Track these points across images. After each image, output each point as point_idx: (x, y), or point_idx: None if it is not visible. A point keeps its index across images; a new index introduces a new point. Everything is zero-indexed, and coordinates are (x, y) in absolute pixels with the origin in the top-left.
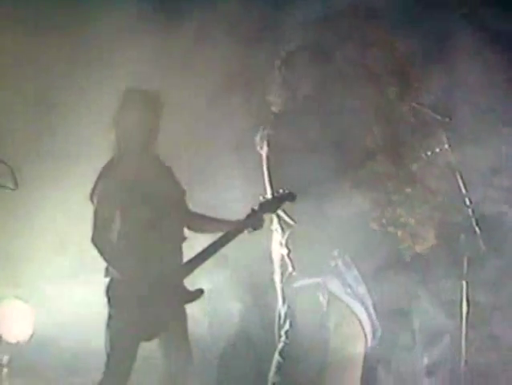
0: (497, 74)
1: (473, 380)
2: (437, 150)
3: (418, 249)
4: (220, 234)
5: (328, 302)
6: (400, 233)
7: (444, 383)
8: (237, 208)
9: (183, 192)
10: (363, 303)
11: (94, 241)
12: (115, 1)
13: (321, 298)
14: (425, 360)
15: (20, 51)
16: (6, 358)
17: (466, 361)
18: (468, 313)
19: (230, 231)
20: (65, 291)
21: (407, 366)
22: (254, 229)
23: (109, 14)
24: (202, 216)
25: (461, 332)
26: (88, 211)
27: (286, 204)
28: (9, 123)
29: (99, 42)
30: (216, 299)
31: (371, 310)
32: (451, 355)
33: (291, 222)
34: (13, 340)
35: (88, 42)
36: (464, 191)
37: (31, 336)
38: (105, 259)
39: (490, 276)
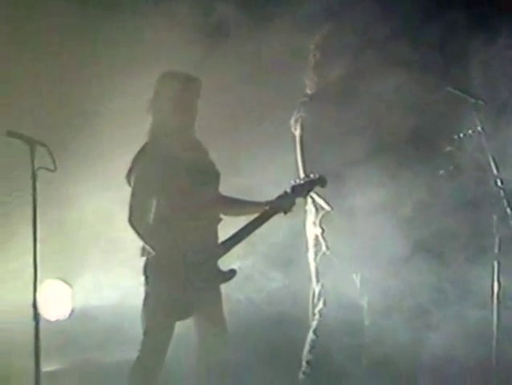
0: None
1: (504, 372)
2: (470, 132)
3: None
4: (252, 216)
5: (362, 283)
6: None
7: (475, 374)
8: (269, 191)
9: (218, 175)
10: None
11: (130, 221)
12: None
13: (354, 277)
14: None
15: (56, 35)
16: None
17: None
18: (499, 295)
19: (265, 213)
20: (103, 271)
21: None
22: (285, 213)
23: None
24: (234, 200)
25: (492, 316)
26: (127, 192)
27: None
28: (46, 107)
29: (134, 24)
30: (249, 279)
31: None
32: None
33: (327, 207)
34: (52, 318)
35: (123, 25)
36: (495, 172)
37: (70, 315)
38: (141, 239)
39: None
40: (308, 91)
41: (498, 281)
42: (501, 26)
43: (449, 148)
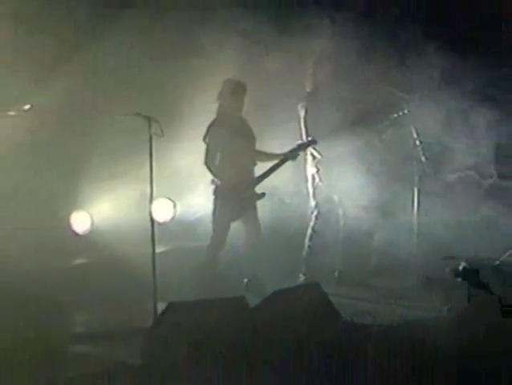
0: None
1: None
2: (400, 113)
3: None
4: (274, 162)
5: (339, 200)
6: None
7: (404, 258)
8: (282, 148)
9: (255, 138)
10: None
11: (206, 163)
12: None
13: (335, 197)
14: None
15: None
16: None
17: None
18: (418, 208)
19: (281, 160)
20: (191, 193)
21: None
22: (293, 160)
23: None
24: (263, 153)
25: (414, 221)
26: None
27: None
28: (157, 95)
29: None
30: (274, 202)
31: None
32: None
33: (319, 156)
34: (161, 221)
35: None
36: (415, 136)
37: (171, 219)
38: (212, 174)
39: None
40: (307, 89)
41: (418, 199)
42: (429, 41)
43: (388, 123)
